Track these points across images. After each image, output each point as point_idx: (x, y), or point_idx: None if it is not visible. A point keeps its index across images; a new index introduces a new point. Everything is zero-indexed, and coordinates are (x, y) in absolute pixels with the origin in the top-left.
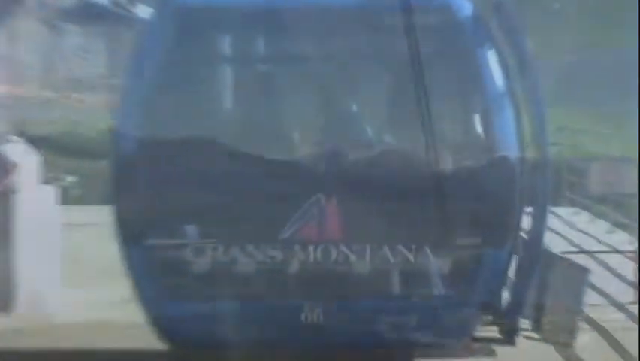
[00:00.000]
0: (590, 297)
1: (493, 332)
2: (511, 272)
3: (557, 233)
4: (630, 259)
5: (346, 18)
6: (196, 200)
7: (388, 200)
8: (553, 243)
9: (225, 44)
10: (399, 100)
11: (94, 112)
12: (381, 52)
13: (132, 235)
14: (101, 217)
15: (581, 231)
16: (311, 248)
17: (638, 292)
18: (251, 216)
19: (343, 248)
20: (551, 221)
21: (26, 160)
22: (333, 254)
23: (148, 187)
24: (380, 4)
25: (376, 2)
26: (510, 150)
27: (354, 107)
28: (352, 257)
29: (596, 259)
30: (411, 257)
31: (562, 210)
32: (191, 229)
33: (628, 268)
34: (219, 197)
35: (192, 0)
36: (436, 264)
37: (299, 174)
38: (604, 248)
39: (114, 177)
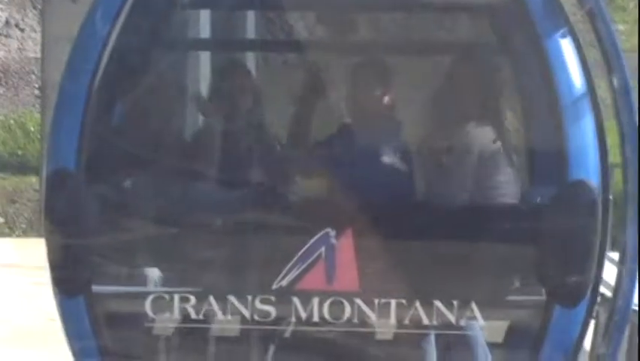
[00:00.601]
0: None
1: None
2: (589, 339)
3: None
4: None
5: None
6: (158, 235)
7: (423, 239)
8: None
9: (202, 26)
10: (438, 107)
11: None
12: (415, 45)
13: (70, 281)
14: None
15: None
16: (315, 302)
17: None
18: (234, 257)
19: (360, 303)
20: None
21: None
22: (347, 311)
23: (92, 217)
24: None
25: None
26: (589, 173)
27: (377, 111)
28: (372, 316)
29: None
30: (452, 318)
31: None
32: (151, 273)
33: None
34: (190, 231)
35: None
36: (487, 327)
37: (301, 201)
38: None
39: (45, 205)
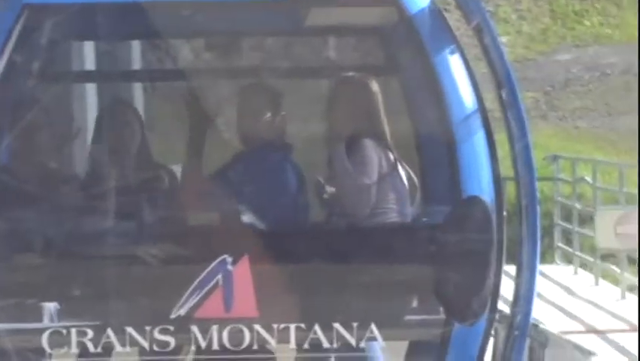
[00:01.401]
0: None
1: None
2: (489, 356)
3: (550, 302)
4: None
5: (257, 15)
6: (52, 267)
7: (321, 262)
8: (545, 315)
9: (99, 58)
10: (329, 129)
11: None
12: (303, 62)
13: None
14: None
15: (582, 298)
16: (214, 329)
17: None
18: (131, 288)
19: (259, 329)
20: (541, 285)
21: None
22: (246, 337)
23: None
24: None
25: None
26: (482, 189)
27: (267, 135)
28: (272, 341)
29: (603, 336)
30: (352, 340)
31: (555, 270)
32: (47, 308)
33: None
34: (83, 262)
35: None
36: (387, 349)
37: (196, 229)
38: (612, 320)
39: None
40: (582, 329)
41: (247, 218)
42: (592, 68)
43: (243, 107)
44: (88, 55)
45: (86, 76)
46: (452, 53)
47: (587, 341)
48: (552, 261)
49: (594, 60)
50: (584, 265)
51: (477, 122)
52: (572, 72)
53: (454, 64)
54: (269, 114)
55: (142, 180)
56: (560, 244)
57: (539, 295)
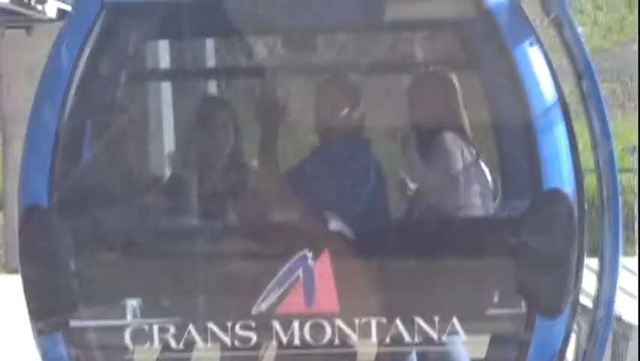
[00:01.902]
0: None
1: None
2: (571, 350)
3: (631, 294)
4: None
5: (335, 15)
6: (135, 265)
7: (401, 256)
8: (626, 308)
9: (178, 57)
10: (410, 124)
11: None
12: (381, 57)
13: (47, 317)
14: None
15: None
16: (296, 325)
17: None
18: (212, 283)
19: (340, 324)
20: (622, 277)
21: None
22: (327, 333)
23: (66, 252)
24: None
25: None
26: (563, 181)
27: (346, 131)
28: (353, 336)
29: None
30: (433, 334)
31: (635, 262)
32: (130, 305)
33: None
34: (166, 260)
35: None
36: (469, 342)
37: (276, 224)
38: None
39: (20, 242)
40: None
41: (327, 213)
42: None
43: (321, 102)
44: (164, 53)
45: (164, 74)
46: (531, 45)
47: None
48: (633, 253)
49: None
50: None
51: (557, 114)
52: None
53: (534, 56)
54: (347, 109)
55: (231, 181)
56: None
57: (620, 288)
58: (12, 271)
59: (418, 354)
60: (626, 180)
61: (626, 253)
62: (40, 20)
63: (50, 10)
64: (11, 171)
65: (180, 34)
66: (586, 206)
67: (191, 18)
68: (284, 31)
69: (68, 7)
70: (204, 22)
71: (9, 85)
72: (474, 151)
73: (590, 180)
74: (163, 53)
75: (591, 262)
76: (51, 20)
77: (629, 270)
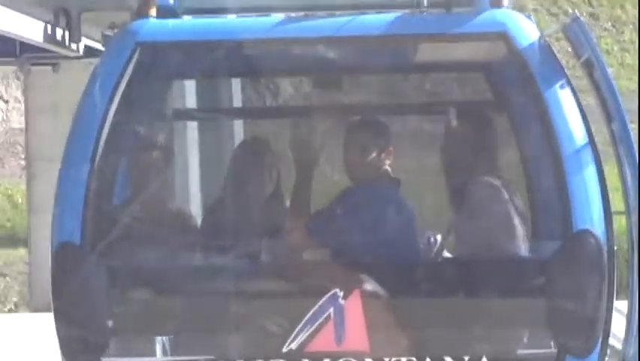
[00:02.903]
0: None
1: None
2: None
3: None
4: None
5: (365, 59)
6: (167, 303)
7: (432, 296)
8: None
9: (209, 97)
10: (441, 165)
11: None
12: (411, 98)
13: (80, 355)
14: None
15: None
16: None
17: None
18: (244, 322)
19: None
20: None
21: None
22: None
23: (99, 290)
24: (404, 34)
25: (399, 31)
26: (594, 223)
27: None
28: None
29: None
30: None
31: None
32: (162, 343)
33: None
34: (198, 298)
35: (161, 34)
36: None
37: (308, 263)
38: None
39: (53, 279)
40: None
41: (358, 253)
42: None
43: (350, 143)
44: (197, 92)
45: (197, 113)
46: (562, 87)
47: None
48: None
49: None
50: None
51: (587, 155)
52: None
53: (564, 97)
54: (376, 150)
55: (265, 220)
56: None
57: None
58: (36, 309)
59: None
60: None
61: None
62: (67, 57)
63: (78, 47)
64: (36, 206)
65: (211, 73)
66: (615, 248)
67: (223, 58)
68: (313, 71)
69: (97, 44)
70: (233, 61)
71: (34, 122)
72: (507, 193)
73: (619, 223)
74: (196, 92)
75: (620, 304)
76: (78, 57)
77: None
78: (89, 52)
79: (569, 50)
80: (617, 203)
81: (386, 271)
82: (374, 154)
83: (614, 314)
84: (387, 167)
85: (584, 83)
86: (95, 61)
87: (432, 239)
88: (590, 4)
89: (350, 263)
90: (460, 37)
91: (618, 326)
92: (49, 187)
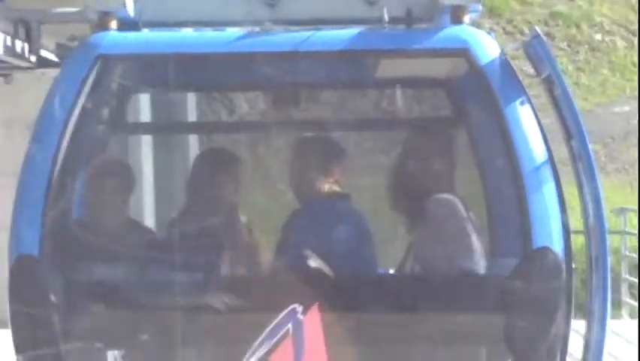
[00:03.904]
0: None
1: None
2: None
3: (617, 357)
4: None
5: (326, 75)
6: (122, 317)
7: (390, 311)
8: None
9: (173, 109)
10: (398, 180)
11: None
12: (370, 114)
13: None
14: None
15: None
16: None
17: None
18: (201, 337)
19: None
20: (608, 340)
21: None
22: None
23: (56, 302)
24: (365, 49)
25: (361, 45)
26: (553, 240)
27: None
28: None
29: None
30: None
31: (622, 325)
32: (116, 357)
33: None
34: (154, 313)
35: (121, 46)
36: None
37: (266, 279)
38: None
39: (10, 291)
40: None
41: (315, 268)
42: None
43: (298, 159)
44: (157, 105)
45: (157, 127)
46: (522, 104)
47: None
48: (619, 316)
49: None
50: None
51: (547, 173)
52: (632, 124)
53: (524, 115)
54: (324, 166)
55: (222, 235)
56: (627, 299)
57: (606, 351)
58: None
59: None
60: (616, 242)
61: (611, 316)
62: (19, 67)
63: (36, 58)
64: None
65: (172, 86)
66: (573, 266)
67: (184, 71)
68: (275, 87)
69: (50, 55)
70: (196, 75)
71: None
72: (466, 210)
73: (575, 241)
74: (156, 105)
75: (575, 324)
76: (31, 68)
77: (615, 333)
78: (42, 62)
79: (523, 69)
80: (573, 222)
81: (345, 286)
82: (322, 170)
83: (573, 336)
84: (336, 182)
85: (540, 102)
86: (49, 71)
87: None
88: (546, 24)
89: (309, 278)
90: (421, 53)
91: (574, 345)
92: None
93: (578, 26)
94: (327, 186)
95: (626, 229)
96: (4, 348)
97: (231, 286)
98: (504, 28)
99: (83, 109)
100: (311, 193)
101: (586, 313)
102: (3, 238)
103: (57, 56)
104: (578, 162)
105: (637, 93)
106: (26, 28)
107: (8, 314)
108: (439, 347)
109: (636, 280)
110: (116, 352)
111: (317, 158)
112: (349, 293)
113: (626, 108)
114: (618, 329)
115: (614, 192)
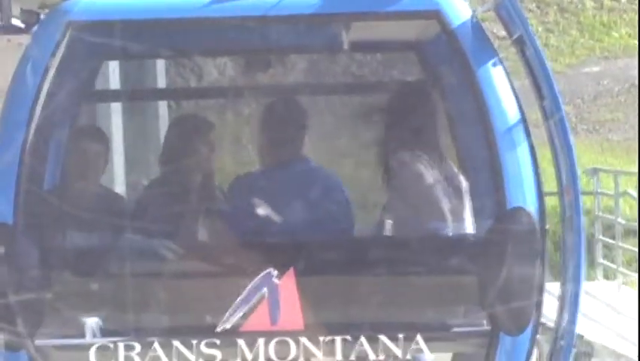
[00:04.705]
0: None
1: None
2: None
3: (593, 319)
4: None
5: (296, 38)
6: (100, 283)
7: (366, 273)
8: (588, 332)
9: (142, 76)
10: (369, 138)
11: None
12: (342, 79)
13: (12, 335)
14: None
15: (626, 315)
16: (261, 343)
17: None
18: (177, 302)
19: (305, 342)
20: (584, 302)
21: None
22: (292, 350)
23: (31, 271)
24: (336, 12)
25: (330, 9)
26: (527, 201)
27: (316, 148)
28: (318, 354)
29: None
30: (398, 351)
31: (597, 286)
32: (93, 323)
33: None
34: (131, 278)
35: (91, 12)
36: (433, 359)
37: (240, 243)
38: None
39: None
40: (627, 345)
41: (291, 231)
42: (621, 80)
43: (267, 123)
44: (129, 72)
45: (130, 93)
46: (494, 65)
47: (632, 354)
48: (594, 277)
49: (623, 72)
50: (627, 282)
51: (520, 134)
52: (602, 84)
53: (497, 76)
54: (294, 129)
55: (197, 200)
56: (602, 260)
57: (582, 313)
58: None
59: None
60: (589, 203)
61: (586, 277)
62: None
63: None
64: None
65: (143, 52)
66: (547, 226)
67: (155, 37)
68: (240, 51)
69: (17, 21)
70: (167, 40)
71: None
72: (439, 171)
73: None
74: (127, 72)
75: (548, 286)
76: None
77: (589, 294)
78: (9, 28)
79: (494, 31)
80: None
81: (320, 249)
82: (292, 133)
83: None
84: (305, 146)
85: (510, 65)
86: (13, 38)
87: None
88: None
89: (285, 241)
90: (392, 16)
91: (547, 306)
92: None
93: None
94: (297, 149)
95: (599, 190)
96: None
97: (207, 251)
98: None
99: (55, 76)
100: (282, 157)
101: (560, 274)
102: None
103: (22, 22)
104: (550, 123)
105: (606, 54)
106: None
107: None
108: (415, 309)
109: (611, 241)
110: (92, 319)
111: (286, 122)
112: (325, 256)
113: (596, 69)
114: (593, 291)
115: (584, 153)
